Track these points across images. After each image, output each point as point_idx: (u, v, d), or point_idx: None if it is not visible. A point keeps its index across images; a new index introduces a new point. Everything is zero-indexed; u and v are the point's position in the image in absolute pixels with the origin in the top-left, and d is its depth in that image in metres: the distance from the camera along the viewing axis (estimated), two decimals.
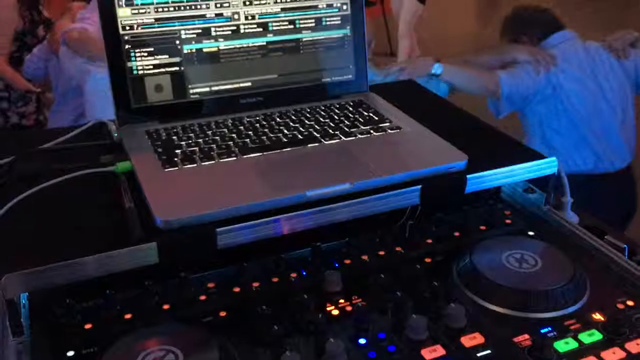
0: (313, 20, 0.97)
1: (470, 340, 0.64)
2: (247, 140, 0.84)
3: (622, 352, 0.62)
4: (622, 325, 0.65)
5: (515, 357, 0.62)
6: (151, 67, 0.88)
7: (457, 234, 0.83)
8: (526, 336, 0.64)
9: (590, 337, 0.64)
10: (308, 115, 0.93)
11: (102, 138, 0.87)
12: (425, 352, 0.62)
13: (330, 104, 0.97)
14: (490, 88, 1.97)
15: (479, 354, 0.62)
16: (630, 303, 0.69)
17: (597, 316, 0.67)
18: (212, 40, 0.92)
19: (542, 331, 0.65)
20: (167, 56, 0.89)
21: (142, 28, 0.87)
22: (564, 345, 0.63)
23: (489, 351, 0.63)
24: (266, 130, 0.87)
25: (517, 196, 0.91)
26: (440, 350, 0.62)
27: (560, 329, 0.65)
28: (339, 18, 0.99)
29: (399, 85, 1.17)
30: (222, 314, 0.68)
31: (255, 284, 0.73)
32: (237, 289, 0.72)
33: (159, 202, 0.68)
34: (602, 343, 0.63)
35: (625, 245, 0.78)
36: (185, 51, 0.90)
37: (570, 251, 0.76)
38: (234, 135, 0.86)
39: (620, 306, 0.69)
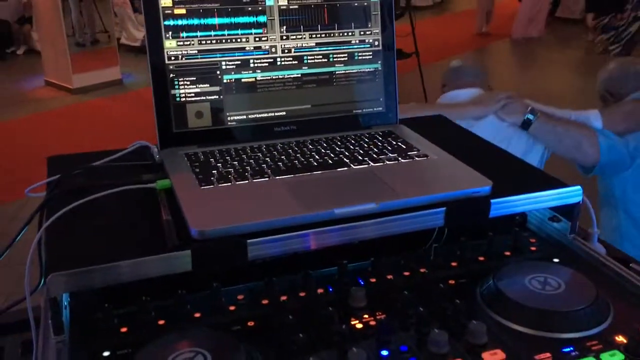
0: (346, 55, 1.02)
1: (492, 356, 0.65)
2: (280, 163, 0.89)
3: None
4: None
5: None
6: (193, 95, 0.94)
7: (481, 258, 0.85)
8: (548, 354, 0.65)
9: (612, 357, 0.65)
10: (339, 143, 0.97)
11: (145, 159, 0.92)
12: None
13: (361, 133, 1.01)
14: (584, 148, 1.67)
15: None
16: None
17: (620, 338, 0.67)
18: (250, 72, 0.97)
19: (564, 350, 0.66)
20: (208, 85, 0.95)
21: (186, 59, 0.94)
22: None
23: None
24: (298, 155, 0.92)
25: (542, 225, 0.92)
26: None
27: (582, 349, 0.66)
28: (370, 53, 1.04)
29: (428, 119, 1.21)
30: (250, 323, 0.71)
31: (283, 297, 0.75)
32: (265, 301, 0.75)
33: (195, 215, 0.73)
34: None
35: None
36: (225, 81, 0.96)
37: (595, 277, 0.77)
38: (267, 159, 0.90)
39: None
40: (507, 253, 0.86)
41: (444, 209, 0.78)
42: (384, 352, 0.66)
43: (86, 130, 4.96)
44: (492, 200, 0.81)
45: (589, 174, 1.77)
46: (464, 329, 0.68)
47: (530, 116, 1.67)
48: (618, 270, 0.80)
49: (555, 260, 0.84)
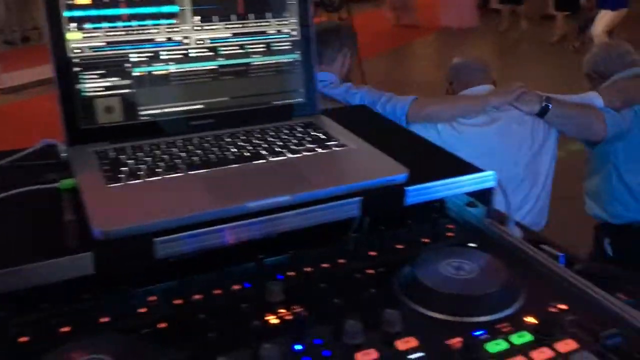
0: (263, 45, 1.00)
1: (404, 343, 0.65)
2: (195, 158, 0.86)
3: (550, 352, 0.63)
4: (553, 327, 0.66)
5: (446, 359, 0.63)
6: (101, 89, 0.90)
7: (400, 246, 0.85)
8: (459, 339, 0.65)
9: (521, 338, 0.66)
10: (257, 135, 0.95)
11: (51, 159, 0.88)
12: (358, 356, 0.63)
13: (281, 125, 0.99)
14: (595, 127, 1.86)
15: (411, 357, 0.63)
16: (562, 307, 0.71)
17: (530, 319, 0.69)
18: (163, 64, 0.94)
19: (475, 334, 0.66)
20: (117, 79, 0.91)
21: (92, 51, 0.89)
22: (495, 346, 0.64)
23: (421, 354, 0.64)
24: (215, 149, 0.89)
25: (460, 210, 0.94)
26: (373, 354, 0.63)
27: (493, 332, 0.67)
28: (289, 43, 1.02)
29: (351, 110, 1.21)
30: (162, 325, 0.69)
31: (197, 296, 0.73)
32: (178, 301, 0.72)
33: (98, 214, 0.69)
34: (532, 344, 0.65)
35: (562, 254, 0.81)
36: (135, 74, 0.92)
37: (508, 260, 0.78)
38: (182, 154, 0.87)
39: (553, 310, 0.70)
40: (426, 240, 0.87)
41: (359, 198, 0.78)
42: (298, 347, 0.65)
43: (18, 131, 4.75)
44: (407, 188, 0.81)
45: (593, 148, 1.99)
46: (379, 319, 0.68)
47: (547, 104, 1.81)
48: (530, 252, 0.81)
49: (472, 245, 0.85)
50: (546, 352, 0.63)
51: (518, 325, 0.68)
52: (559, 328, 0.67)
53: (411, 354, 0.64)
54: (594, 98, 1.93)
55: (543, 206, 1.99)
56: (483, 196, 0.90)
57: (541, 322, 0.67)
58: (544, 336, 0.66)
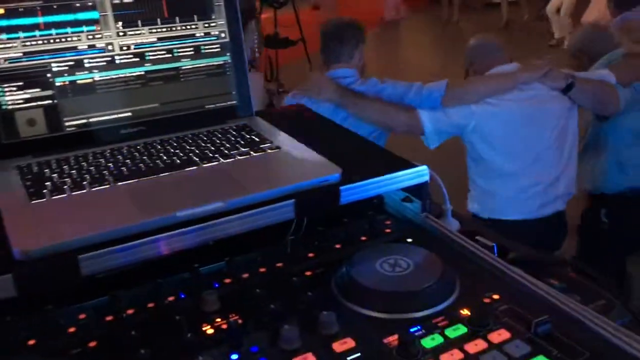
0: (191, 49, 0.98)
1: (341, 345, 0.65)
2: (123, 168, 0.84)
3: (484, 343, 0.64)
4: (486, 317, 0.67)
5: (383, 357, 0.63)
6: (21, 101, 0.87)
7: (338, 246, 0.85)
8: (395, 336, 0.65)
9: (456, 331, 0.66)
10: (190, 141, 0.93)
11: None
12: None
13: (214, 129, 0.98)
14: (610, 103, 2.01)
15: (348, 358, 0.63)
16: (495, 297, 0.72)
17: (465, 311, 0.69)
18: (86, 72, 0.91)
19: (411, 330, 0.67)
20: (38, 89, 0.88)
21: (9, 62, 0.86)
22: (431, 341, 0.65)
23: (358, 354, 0.63)
24: (145, 157, 0.87)
25: (397, 206, 0.94)
26: (310, 358, 0.63)
27: (429, 327, 0.67)
28: (217, 46, 1.00)
29: (287, 111, 1.20)
30: (92, 344, 0.66)
31: (130, 311, 0.71)
32: (109, 318, 0.70)
33: (19, 233, 0.67)
34: (467, 336, 0.65)
35: (494, 244, 0.82)
36: (57, 84, 0.89)
37: (444, 253, 0.79)
38: (110, 164, 0.85)
39: (487, 300, 0.72)
40: (364, 238, 0.87)
41: (293, 201, 0.77)
42: (234, 356, 0.64)
43: None
44: (342, 187, 0.81)
45: (602, 122, 2.14)
46: (316, 322, 0.67)
47: (572, 81, 1.94)
48: (465, 244, 0.82)
49: (409, 240, 0.86)
50: (480, 344, 0.64)
51: (453, 319, 0.68)
52: (493, 318, 0.68)
53: (349, 355, 0.63)
54: (607, 75, 2.05)
55: (573, 175, 2.12)
56: (418, 191, 0.90)
57: (475, 313, 0.68)
58: (477, 328, 0.66)
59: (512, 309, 0.69)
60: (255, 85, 2.22)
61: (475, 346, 0.64)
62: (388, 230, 0.89)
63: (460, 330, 0.66)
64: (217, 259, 0.80)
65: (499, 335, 0.65)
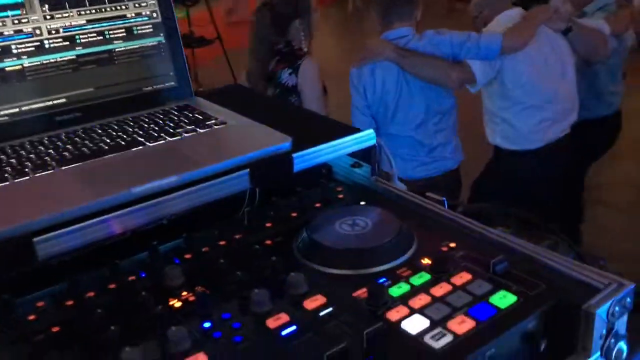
0: (123, 30, 0.96)
1: (312, 302, 0.66)
2: (66, 153, 0.81)
3: (448, 286, 0.67)
4: (446, 264, 0.70)
5: (355, 309, 0.64)
6: None
7: (294, 214, 0.85)
8: (364, 289, 0.67)
9: (420, 279, 0.69)
10: (131, 123, 0.91)
11: None
12: (269, 322, 0.63)
13: (155, 111, 0.96)
14: (601, 49, 2.23)
15: (321, 313, 0.64)
16: (452, 245, 0.75)
17: (426, 261, 0.72)
18: (15, 59, 0.87)
19: (378, 282, 0.68)
20: None
21: None
22: (397, 289, 0.67)
23: (330, 309, 0.65)
24: (86, 142, 0.84)
25: (347, 173, 0.96)
26: (284, 317, 0.63)
27: (394, 277, 0.69)
28: (150, 26, 0.98)
29: (225, 90, 1.19)
30: (55, 329, 0.64)
31: (90, 294, 0.69)
32: (70, 302, 0.68)
33: None
34: (431, 282, 0.68)
35: (444, 198, 0.85)
36: None
37: (398, 211, 0.81)
38: (50, 151, 0.82)
39: (444, 249, 0.75)
40: (318, 205, 0.88)
41: (247, 170, 0.77)
42: (206, 324, 0.63)
43: None
44: (294, 155, 0.81)
45: (591, 67, 2.38)
46: (284, 284, 0.68)
47: (571, 25, 2.17)
48: (417, 201, 0.85)
49: (362, 203, 0.88)
50: (445, 286, 0.67)
51: (416, 268, 0.71)
52: (453, 264, 0.71)
53: (321, 310, 0.64)
54: (602, 25, 2.29)
55: (577, 104, 2.34)
56: (366, 155, 0.92)
57: (435, 261, 0.71)
58: (440, 273, 0.69)
59: (469, 255, 0.73)
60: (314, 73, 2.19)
61: (441, 289, 0.66)
62: (340, 196, 0.90)
63: (424, 277, 0.69)
64: (174, 238, 0.79)
65: (461, 278, 0.68)
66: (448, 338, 0.59)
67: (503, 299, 0.64)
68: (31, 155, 0.80)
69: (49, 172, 0.75)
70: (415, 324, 0.61)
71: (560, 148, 2.26)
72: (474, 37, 2.12)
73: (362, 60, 2.10)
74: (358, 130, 0.89)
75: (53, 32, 0.90)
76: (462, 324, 0.60)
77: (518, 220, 0.89)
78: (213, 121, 0.90)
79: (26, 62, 0.88)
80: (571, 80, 2.27)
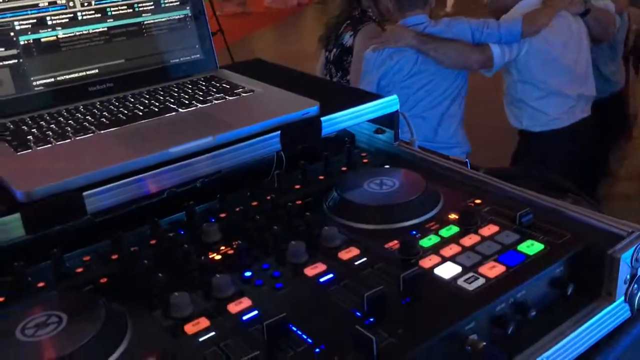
0: (152, 3, 0.98)
1: (347, 253, 0.69)
2: (103, 119, 0.84)
3: (477, 237, 0.70)
4: (474, 217, 0.73)
5: (387, 258, 0.67)
6: None
7: (321, 177, 0.88)
8: (395, 241, 0.70)
9: (449, 231, 0.72)
10: (162, 92, 0.94)
11: None
12: (307, 270, 0.66)
13: (183, 82, 0.98)
14: (612, 28, 2.36)
15: (356, 263, 0.67)
16: (478, 201, 0.78)
17: (453, 216, 0.75)
18: (50, 30, 0.90)
19: (410, 234, 0.71)
20: (3, 49, 0.86)
21: None
22: (428, 241, 0.70)
23: (365, 259, 0.68)
24: (121, 109, 0.87)
25: (370, 140, 0.99)
26: (321, 266, 0.66)
27: (423, 231, 0.72)
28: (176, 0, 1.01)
29: (248, 63, 1.21)
30: (103, 280, 0.67)
31: (134, 248, 0.72)
32: (115, 256, 0.71)
33: (17, 178, 0.66)
34: (460, 234, 0.71)
35: (467, 160, 0.88)
36: (22, 42, 0.87)
37: (422, 172, 0.84)
38: (88, 117, 0.85)
39: (471, 205, 0.77)
40: (344, 169, 0.91)
41: (278, 132, 0.80)
42: (247, 273, 0.66)
43: None
44: (322, 118, 0.84)
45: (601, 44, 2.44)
46: (318, 238, 0.71)
47: (589, 7, 2.25)
48: (441, 162, 0.88)
49: (387, 166, 0.90)
50: (473, 237, 0.70)
51: (443, 222, 0.74)
52: (480, 218, 0.73)
53: (356, 260, 0.67)
54: (609, 4, 2.35)
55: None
56: (387, 122, 0.95)
57: (463, 216, 0.74)
58: (468, 226, 0.72)
59: (495, 209, 0.75)
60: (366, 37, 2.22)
61: (470, 240, 0.69)
62: (365, 161, 0.93)
63: (453, 230, 0.72)
64: (208, 200, 0.82)
65: (489, 230, 0.71)
66: (480, 281, 0.62)
67: (531, 247, 0.66)
68: (70, 121, 0.83)
69: (89, 135, 0.78)
70: (447, 270, 0.64)
71: (586, 127, 2.32)
72: (492, 22, 2.16)
73: (382, 44, 2.12)
74: (381, 97, 0.91)
75: (85, 4, 0.92)
76: (493, 269, 0.63)
77: (539, 181, 0.91)
78: (241, 89, 0.93)
79: (60, 33, 0.90)
80: (587, 62, 2.33)
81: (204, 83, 0.97)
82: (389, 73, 2.14)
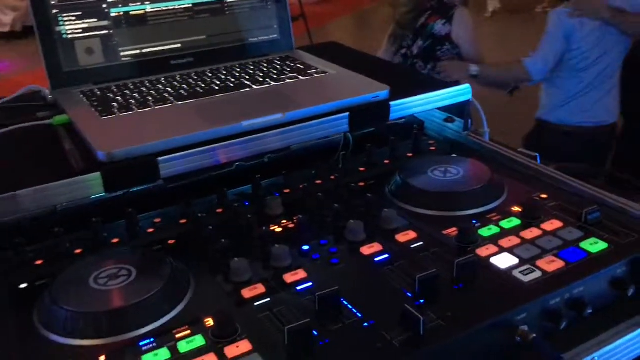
0: None
1: (404, 236, 0.69)
2: (182, 91, 0.88)
3: (538, 231, 0.69)
4: (538, 211, 0.72)
5: (444, 244, 0.68)
6: (80, 30, 0.91)
7: (386, 161, 0.89)
8: (454, 228, 0.70)
9: (510, 223, 0.71)
10: (238, 69, 0.97)
11: (38, 101, 0.88)
12: (364, 249, 0.67)
13: (259, 60, 1.01)
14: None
15: (412, 246, 0.68)
16: (543, 196, 0.76)
17: (516, 208, 0.74)
18: (139, 3, 0.95)
19: (472, 222, 0.71)
20: (95, 20, 0.92)
21: None
22: (487, 231, 0.69)
23: (421, 243, 0.68)
24: (199, 83, 0.91)
25: (439, 128, 0.98)
26: (377, 246, 0.68)
27: (484, 221, 0.72)
28: None
29: (323, 45, 1.23)
30: (171, 242, 0.71)
31: (201, 214, 0.76)
32: (183, 221, 0.75)
33: (100, 139, 0.71)
34: (521, 226, 0.70)
35: (537, 154, 0.86)
36: (113, 14, 0.93)
37: (489, 164, 0.83)
38: (168, 89, 0.89)
39: (536, 198, 0.76)
40: (410, 155, 0.91)
41: (347, 114, 0.81)
42: (305, 247, 0.69)
43: None
44: (391, 103, 0.85)
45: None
46: (377, 220, 0.72)
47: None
48: (509, 155, 0.87)
49: (454, 155, 0.90)
50: (535, 231, 0.69)
51: (506, 214, 0.73)
52: (543, 213, 0.72)
53: (412, 244, 0.68)
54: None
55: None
56: (461, 110, 0.94)
57: (526, 209, 0.73)
58: (530, 220, 0.71)
59: (561, 205, 0.74)
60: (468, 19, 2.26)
61: (531, 233, 0.68)
62: (432, 149, 0.93)
63: (514, 222, 0.71)
64: (274, 176, 0.85)
65: (552, 225, 0.70)
66: (537, 274, 0.61)
67: (594, 245, 0.65)
68: (151, 92, 0.88)
69: (168, 105, 0.83)
70: (504, 260, 0.64)
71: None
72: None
73: (577, 12, 2.17)
74: (453, 85, 0.91)
75: None
76: (551, 263, 0.62)
77: (608, 179, 0.88)
78: (314, 70, 0.95)
79: (148, 7, 0.95)
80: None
81: (279, 62, 1.00)
82: (576, 37, 2.19)
